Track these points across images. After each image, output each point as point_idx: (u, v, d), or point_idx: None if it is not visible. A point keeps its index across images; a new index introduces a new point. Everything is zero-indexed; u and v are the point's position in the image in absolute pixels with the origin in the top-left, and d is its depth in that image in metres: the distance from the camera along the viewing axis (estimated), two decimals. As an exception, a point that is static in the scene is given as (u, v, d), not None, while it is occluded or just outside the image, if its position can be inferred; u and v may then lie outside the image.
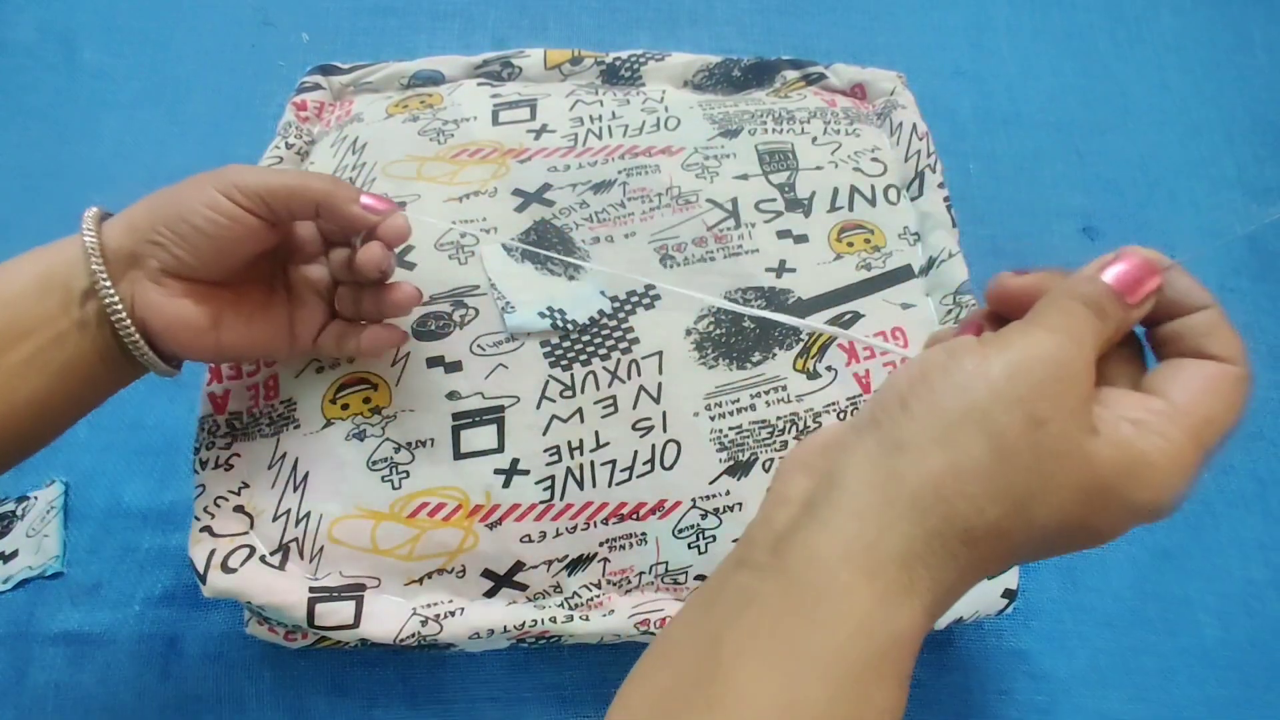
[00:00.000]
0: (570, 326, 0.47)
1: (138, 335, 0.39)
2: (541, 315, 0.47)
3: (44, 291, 0.38)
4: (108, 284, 0.38)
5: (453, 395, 0.47)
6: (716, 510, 0.47)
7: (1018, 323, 0.29)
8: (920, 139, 0.56)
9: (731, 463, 0.47)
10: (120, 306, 0.38)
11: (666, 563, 0.47)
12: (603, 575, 0.47)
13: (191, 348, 0.41)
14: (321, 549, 0.46)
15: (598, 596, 0.47)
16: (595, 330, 0.48)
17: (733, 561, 0.29)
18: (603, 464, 0.46)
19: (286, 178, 0.40)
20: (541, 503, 0.46)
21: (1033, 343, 0.27)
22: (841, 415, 0.49)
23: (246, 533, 0.45)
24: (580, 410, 0.47)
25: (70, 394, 0.39)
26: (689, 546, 0.47)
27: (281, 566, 0.45)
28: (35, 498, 0.54)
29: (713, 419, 0.47)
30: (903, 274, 0.53)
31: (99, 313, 0.38)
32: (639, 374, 0.48)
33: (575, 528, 0.46)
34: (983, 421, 0.26)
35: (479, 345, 0.48)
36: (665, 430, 0.47)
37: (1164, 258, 0.29)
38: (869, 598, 0.26)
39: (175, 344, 0.40)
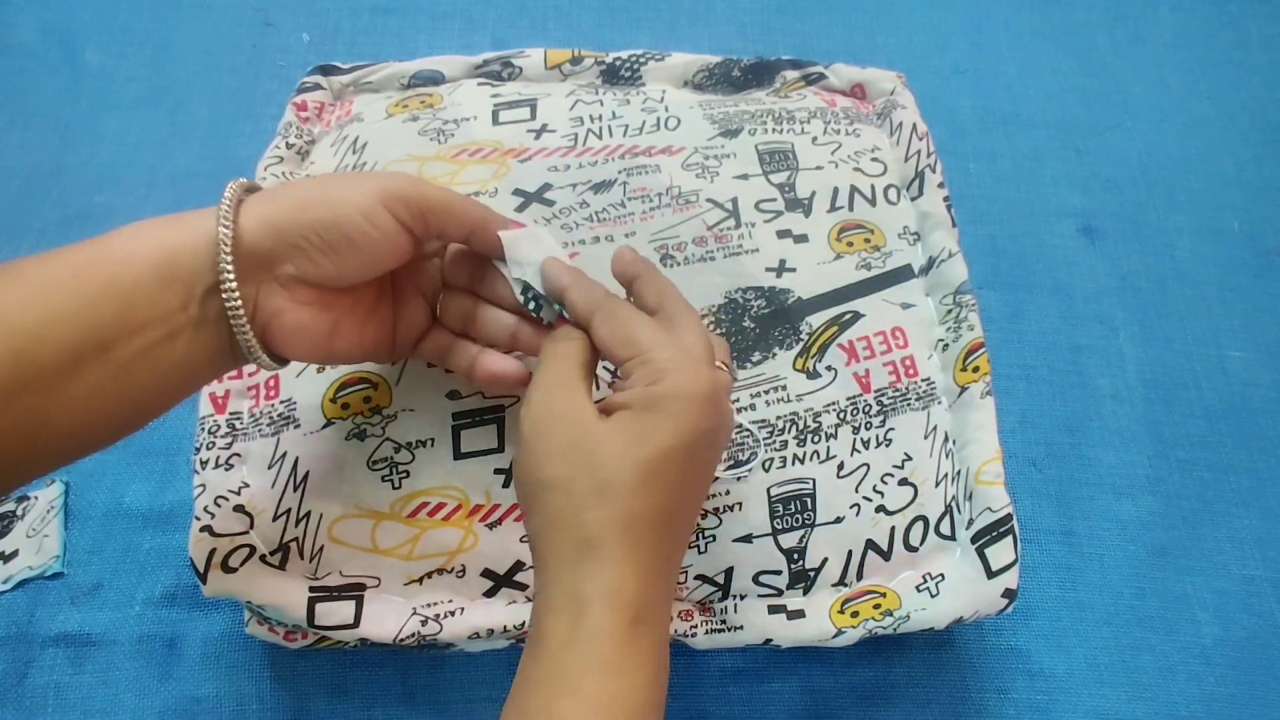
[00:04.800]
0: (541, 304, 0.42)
1: (256, 341, 0.37)
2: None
3: (165, 283, 0.34)
4: (235, 291, 0.35)
5: (453, 395, 0.47)
6: (716, 510, 0.47)
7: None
8: (920, 139, 0.56)
9: (731, 462, 0.47)
10: (243, 314, 0.35)
11: (666, 562, 0.47)
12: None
13: (305, 354, 0.39)
14: (321, 549, 0.46)
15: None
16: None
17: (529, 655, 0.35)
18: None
19: (448, 197, 0.39)
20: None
21: (528, 408, 0.37)
22: (841, 415, 0.49)
23: (246, 532, 0.45)
24: (580, 410, 0.47)
25: (172, 389, 0.37)
26: (689, 546, 0.47)
27: (282, 566, 0.45)
28: (35, 498, 0.54)
29: (712, 418, 0.47)
30: (903, 274, 0.53)
31: (219, 313, 0.35)
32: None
33: (575, 527, 0.46)
34: (549, 481, 0.35)
35: (479, 345, 0.48)
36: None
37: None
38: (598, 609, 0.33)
39: (290, 350, 0.39)
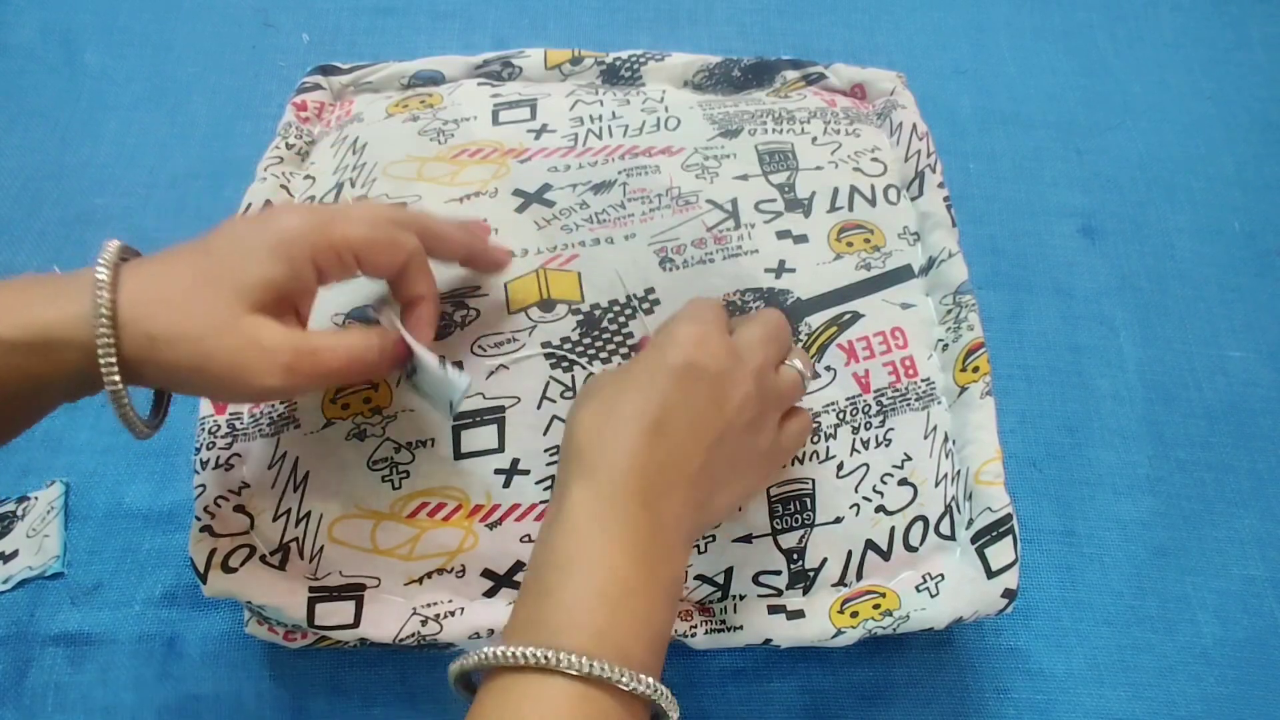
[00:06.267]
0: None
1: (140, 423, 0.38)
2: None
3: (35, 351, 0.34)
4: (123, 394, 0.36)
5: (453, 395, 0.47)
6: (716, 510, 0.47)
7: None
8: (920, 139, 0.56)
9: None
10: (131, 409, 0.37)
11: (666, 562, 0.47)
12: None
13: None
14: (321, 549, 0.46)
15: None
16: (596, 333, 0.48)
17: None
18: (602, 464, 0.46)
19: (347, 366, 0.39)
20: (542, 502, 0.46)
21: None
22: (841, 415, 0.49)
23: (247, 532, 0.46)
24: (580, 410, 0.47)
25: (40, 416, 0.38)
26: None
27: (282, 566, 0.45)
28: (35, 498, 0.54)
29: (712, 419, 0.47)
30: (902, 274, 0.53)
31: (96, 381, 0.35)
32: (638, 374, 0.48)
33: (575, 527, 0.46)
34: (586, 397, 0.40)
35: (480, 346, 0.48)
36: (665, 430, 0.47)
37: None
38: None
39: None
